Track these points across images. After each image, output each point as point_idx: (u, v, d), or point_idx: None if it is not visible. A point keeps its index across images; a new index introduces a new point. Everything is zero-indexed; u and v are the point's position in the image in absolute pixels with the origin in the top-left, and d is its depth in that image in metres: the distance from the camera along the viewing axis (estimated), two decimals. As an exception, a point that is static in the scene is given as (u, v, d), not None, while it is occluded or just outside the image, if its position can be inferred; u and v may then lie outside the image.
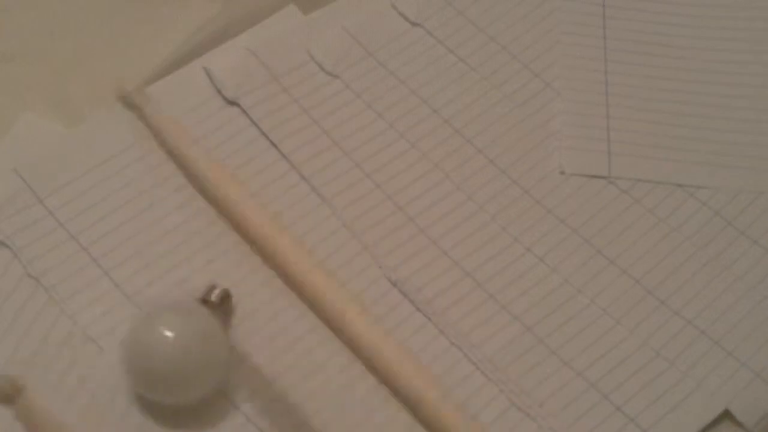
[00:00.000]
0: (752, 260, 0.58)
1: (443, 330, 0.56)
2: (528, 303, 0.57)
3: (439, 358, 0.55)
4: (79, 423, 0.52)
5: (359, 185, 0.60)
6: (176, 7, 0.67)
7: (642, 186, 0.61)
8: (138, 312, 0.55)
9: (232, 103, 0.62)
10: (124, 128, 0.60)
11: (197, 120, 0.61)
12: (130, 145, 0.60)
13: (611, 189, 0.61)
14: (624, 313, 0.56)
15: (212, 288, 0.55)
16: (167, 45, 0.64)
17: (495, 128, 0.62)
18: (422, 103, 0.63)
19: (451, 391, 0.54)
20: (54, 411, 0.52)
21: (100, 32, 0.66)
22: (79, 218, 0.58)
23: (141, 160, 0.60)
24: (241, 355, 0.54)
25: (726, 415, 0.54)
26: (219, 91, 0.62)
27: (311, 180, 0.60)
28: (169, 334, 0.51)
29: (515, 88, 0.64)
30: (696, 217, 0.60)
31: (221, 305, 0.55)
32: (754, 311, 0.56)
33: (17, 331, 0.55)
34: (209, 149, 0.60)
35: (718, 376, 0.55)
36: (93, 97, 0.63)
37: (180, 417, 0.53)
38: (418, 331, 0.56)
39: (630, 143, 0.63)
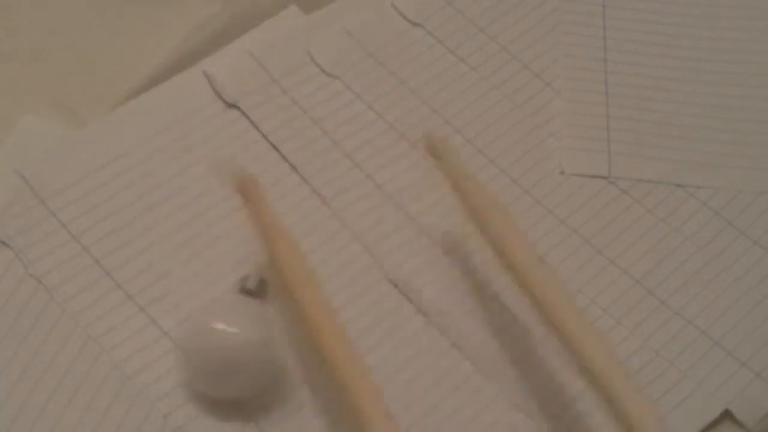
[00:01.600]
0: (752, 260, 0.58)
1: (444, 331, 0.56)
2: (529, 303, 0.56)
3: (440, 359, 0.55)
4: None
5: (360, 186, 0.60)
6: (176, 8, 0.67)
7: (642, 186, 0.61)
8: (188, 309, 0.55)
9: (232, 105, 0.62)
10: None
11: (198, 123, 0.61)
12: (134, 146, 0.60)
13: (611, 189, 0.61)
14: (624, 313, 0.56)
15: (247, 277, 0.55)
16: (167, 45, 0.65)
17: (495, 128, 0.62)
18: (423, 103, 0.63)
19: (457, 390, 0.54)
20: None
21: (100, 32, 0.66)
22: (81, 219, 0.58)
23: (144, 161, 0.60)
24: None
25: (726, 415, 0.54)
26: (219, 94, 0.62)
27: (312, 181, 0.60)
28: (228, 328, 0.52)
29: (515, 88, 0.64)
30: (696, 217, 0.60)
31: (259, 292, 0.55)
32: (754, 311, 0.57)
33: (19, 331, 0.55)
34: (210, 152, 0.61)
35: (718, 376, 0.55)
36: (93, 97, 0.63)
37: (231, 410, 0.53)
38: (419, 333, 0.56)
39: (630, 143, 0.63)
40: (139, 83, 0.63)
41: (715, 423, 0.54)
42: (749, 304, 0.57)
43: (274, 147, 0.61)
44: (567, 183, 0.61)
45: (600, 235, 0.59)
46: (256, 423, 0.53)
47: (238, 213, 0.59)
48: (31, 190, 0.58)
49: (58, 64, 0.65)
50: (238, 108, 0.62)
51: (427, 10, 0.67)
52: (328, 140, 0.61)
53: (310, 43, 0.64)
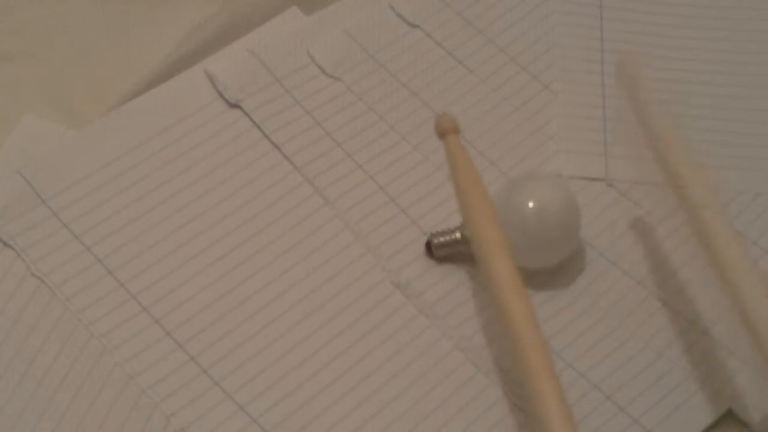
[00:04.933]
0: (752, 261, 0.59)
1: (446, 333, 0.56)
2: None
3: (441, 361, 0.55)
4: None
5: (362, 187, 0.60)
6: (176, 8, 0.67)
7: (640, 188, 0.61)
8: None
9: (235, 105, 0.62)
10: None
11: (199, 123, 0.61)
12: (136, 146, 0.60)
13: (610, 192, 0.61)
14: (626, 314, 0.57)
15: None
16: (167, 45, 0.65)
17: (495, 131, 0.63)
18: (423, 105, 0.63)
19: (455, 393, 0.54)
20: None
21: (100, 32, 0.66)
22: (83, 219, 0.58)
23: (146, 161, 0.60)
24: None
25: (730, 415, 0.54)
26: (221, 94, 0.62)
27: (314, 182, 0.60)
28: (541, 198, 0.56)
29: (513, 90, 0.65)
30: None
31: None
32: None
33: (20, 331, 0.55)
34: (211, 152, 0.61)
35: (721, 376, 0.55)
36: (93, 97, 0.63)
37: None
38: (421, 335, 0.56)
39: (627, 145, 0.63)
40: (140, 83, 0.63)
41: (719, 422, 0.54)
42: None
43: (277, 147, 0.61)
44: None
45: (600, 238, 0.59)
46: None
47: (239, 212, 0.59)
48: (33, 190, 0.58)
49: (58, 64, 0.65)
50: (241, 108, 0.62)
51: (425, 12, 0.67)
52: (330, 141, 0.61)
53: (311, 44, 0.64)
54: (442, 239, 0.58)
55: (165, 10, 0.67)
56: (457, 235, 0.57)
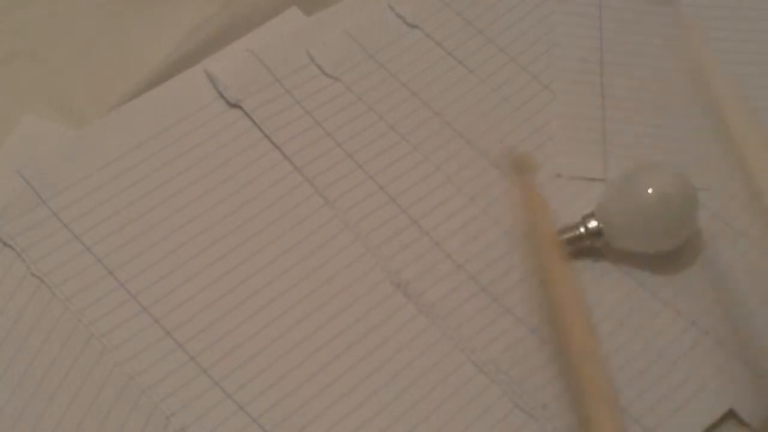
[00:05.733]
0: (751, 261, 0.59)
1: (446, 332, 0.56)
2: (531, 306, 0.57)
3: (442, 361, 0.55)
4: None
5: (362, 187, 0.60)
6: (176, 8, 0.67)
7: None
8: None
9: (235, 105, 0.62)
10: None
11: (199, 123, 0.61)
12: (136, 146, 0.60)
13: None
14: (627, 314, 0.57)
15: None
16: (167, 45, 0.65)
17: (495, 132, 0.63)
18: (423, 105, 0.63)
19: (455, 393, 0.54)
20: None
21: (100, 32, 0.66)
22: (83, 219, 0.58)
23: (146, 161, 0.60)
24: None
25: (730, 415, 0.54)
26: (221, 94, 0.62)
27: (314, 182, 0.60)
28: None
29: (513, 90, 0.65)
30: (694, 219, 0.60)
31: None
32: (756, 311, 0.57)
33: (21, 330, 0.55)
34: (211, 152, 0.61)
35: (722, 376, 0.55)
36: (93, 97, 0.63)
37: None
38: (422, 334, 0.56)
39: (626, 146, 0.63)
40: (140, 83, 0.63)
41: (720, 422, 0.54)
42: (751, 304, 0.57)
43: (277, 147, 0.61)
44: (566, 186, 0.61)
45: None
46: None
47: (240, 211, 0.59)
48: (33, 191, 0.58)
49: (58, 64, 0.65)
50: (241, 108, 0.62)
51: (425, 12, 0.67)
52: (330, 141, 0.61)
53: (311, 44, 0.64)
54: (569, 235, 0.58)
55: (165, 10, 0.67)
56: (581, 230, 0.58)
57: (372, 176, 0.60)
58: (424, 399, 0.54)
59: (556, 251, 0.56)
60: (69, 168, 0.59)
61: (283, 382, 0.54)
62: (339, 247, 0.58)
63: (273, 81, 0.63)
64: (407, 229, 0.59)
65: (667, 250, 0.58)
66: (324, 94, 0.63)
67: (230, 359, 0.55)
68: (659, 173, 0.58)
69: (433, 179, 0.60)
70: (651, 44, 0.67)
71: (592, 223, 0.58)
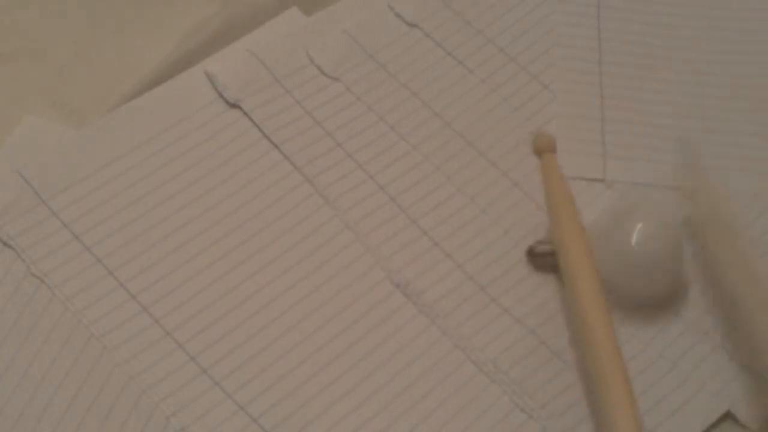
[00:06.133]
0: (750, 262, 0.59)
1: (446, 332, 0.56)
2: (530, 306, 0.57)
3: (442, 361, 0.55)
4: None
5: (362, 187, 0.60)
6: (176, 8, 0.67)
7: (639, 189, 0.61)
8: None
9: (234, 105, 0.62)
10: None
11: (199, 123, 0.61)
12: (136, 146, 0.60)
13: (609, 193, 0.61)
14: (626, 315, 0.57)
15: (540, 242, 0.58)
16: (167, 45, 0.65)
17: (495, 132, 0.63)
18: (423, 105, 0.63)
19: (455, 393, 0.54)
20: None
21: (100, 32, 0.66)
22: (83, 219, 0.58)
23: (146, 161, 0.60)
24: None
25: (728, 417, 0.54)
26: (220, 94, 0.62)
27: (314, 182, 0.60)
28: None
29: (513, 90, 0.65)
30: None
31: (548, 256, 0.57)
32: (756, 313, 0.56)
33: (21, 330, 0.55)
34: (211, 152, 0.61)
35: (720, 378, 0.55)
36: (93, 97, 0.63)
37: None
38: (421, 334, 0.56)
39: (625, 146, 0.63)
40: (140, 83, 0.63)
41: (718, 424, 0.54)
42: (749, 306, 0.57)
43: (276, 147, 0.61)
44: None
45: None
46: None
47: (239, 211, 0.59)
48: (33, 190, 0.58)
49: (58, 64, 0.65)
50: (240, 108, 0.62)
51: (424, 12, 0.67)
52: (330, 141, 0.61)
53: (310, 44, 0.64)
54: (543, 248, 0.58)
55: (165, 10, 0.67)
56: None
57: (372, 176, 0.60)
58: (424, 399, 0.54)
59: (575, 228, 0.56)
60: (69, 168, 0.59)
61: (283, 382, 0.54)
62: (339, 246, 0.58)
63: (272, 81, 0.63)
64: (407, 228, 0.59)
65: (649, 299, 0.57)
66: (324, 94, 0.63)
67: (230, 359, 0.55)
68: (646, 222, 0.56)
69: (432, 179, 0.60)
70: (650, 44, 0.67)
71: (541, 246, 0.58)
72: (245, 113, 0.62)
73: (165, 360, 0.54)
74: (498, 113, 0.63)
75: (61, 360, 0.54)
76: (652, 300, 0.57)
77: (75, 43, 0.66)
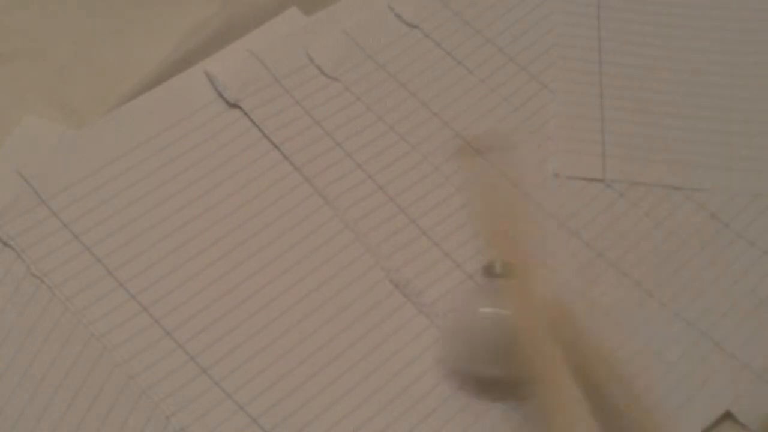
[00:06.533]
0: (749, 262, 0.59)
1: (446, 332, 0.56)
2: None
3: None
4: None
5: (361, 186, 0.60)
6: (176, 7, 0.67)
7: (638, 189, 0.61)
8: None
9: (234, 105, 0.62)
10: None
11: (199, 123, 0.61)
12: (136, 146, 0.60)
13: (609, 192, 0.61)
14: (625, 315, 0.57)
15: (494, 262, 0.56)
16: (167, 45, 0.65)
17: (494, 131, 0.63)
18: (422, 105, 0.63)
19: (455, 393, 0.54)
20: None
21: (100, 32, 0.66)
22: (83, 219, 0.58)
23: (146, 161, 0.60)
24: None
25: (728, 416, 0.54)
26: (220, 94, 0.62)
27: (314, 181, 0.60)
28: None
29: (512, 90, 0.65)
30: (693, 220, 0.60)
31: (505, 274, 0.56)
32: (754, 313, 0.57)
33: (21, 330, 0.55)
34: (211, 152, 0.61)
35: (719, 378, 0.55)
36: (93, 97, 0.63)
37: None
38: (421, 334, 0.56)
39: (625, 145, 0.63)
40: (140, 83, 0.63)
41: (717, 424, 0.54)
42: (749, 305, 0.57)
43: (276, 147, 0.61)
44: (565, 186, 0.61)
45: (600, 238, 0.59)
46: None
47: (239, 211, 0.59)
48: (33, 191, 0.58)
49: (58, 64, 0.65)
50: (240, 108, 0.62)
51: (424, 12, 0.67)
52: (329, 141, 0.61)
53: (310, 44, 0.64)
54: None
55: (165, 10, 0.67)
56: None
57: (371, 176, 0.60)
58: (424, 399, 0.54)
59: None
60: (69, 168, 0.59)
61: (283, 382, 0.54)
62: (338, 246, 0.58)
63: (272, 81, 0.63)
64: (406, 228, 0.59)
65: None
66: (323, 94, 0.63)
67: (230, 359, 0.55)
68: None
69: (431, 179, 0.60)
70: (650, 44, 0.67)
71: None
72: (245, 113, 0.62)
73: (165, 360, 0.54)
74: (498, 113, 0.63)
75: (61, 360, 0.54)
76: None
77: (75, 43, 0.66)
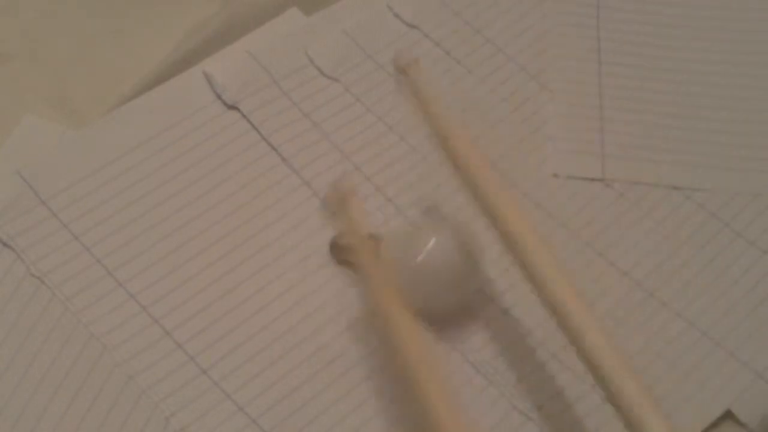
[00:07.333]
0: (750, 262, 0.59)
1: (444, 335, 0.56)
2: (528, 306, 0.57)
3: (440, 362, 0.55)
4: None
5: (360, 189, 0.60)
6: (176, 7, 0.67)
7: (638, 188, 0.61)
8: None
9: (232, 107, 0.62)
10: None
11: (198, 124, 0.61)
12: (136, 146, 0.60)
13: (608, 192, 0.61)
14: (625, 315, 0.57)
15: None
16: (167, 45, 0.65)
17: (494, 131, 0.63)
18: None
19: (455, 393, 0.54)
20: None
21: (100, 32, 0.66)
22: (82, 219, 0.58)
23: (145, 161, 0.60)
24: None
25: (728, 416, 0.54)
26: (219, 96, 0.62)
27: (312, 184, 0.60)
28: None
29: (512, 90, 0.65)
30: (693, 220, 0.60)
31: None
32: (754, 312, 0.57)
33: (20, 331, 0.55)
34: (211, 152, 0.61)
35: (719, 377, 0.55)
36: (93, 97, 0.63)
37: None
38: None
39: (624, 145, 0.63)
40: (139, 83, 0.63)
41: (717, 423, 0.54)
42: (749, 305, 0.57)
43: (274, 149, 0.61)
44: (565, 186, 0.61)
45: (600, 238, 0.59)
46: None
47: (238, 212, 0.59)
48: (32, 191, 0.58)
49: (58, 64, 0.65)
50: (238, 109, 0.62)
51: (423, 12, 0.67)
52: (328, 143, 0.61)
53: (309, 45, 0.64)
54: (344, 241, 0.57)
55: (165, 10, 0.67)
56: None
57: (369, 177, 0.60)
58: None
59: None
60: (69, 168, 0.59)
61: (282, 382, 0.54)
62: (338, 247, 0.58)
63: (271, 82, 0.63)
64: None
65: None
66: (322, 95, 0.63)
67: (230, 359, 0.55)
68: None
69: (432, 180, 0.60)
70: (650, 44, 0.67)
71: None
72: (243, 115, 0.62)
73: (165, 360, 0.54)
74: (497, 113, 0.63)
75: (61, 360, 0.54)
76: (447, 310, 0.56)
77: (75, 43, 0.66)
